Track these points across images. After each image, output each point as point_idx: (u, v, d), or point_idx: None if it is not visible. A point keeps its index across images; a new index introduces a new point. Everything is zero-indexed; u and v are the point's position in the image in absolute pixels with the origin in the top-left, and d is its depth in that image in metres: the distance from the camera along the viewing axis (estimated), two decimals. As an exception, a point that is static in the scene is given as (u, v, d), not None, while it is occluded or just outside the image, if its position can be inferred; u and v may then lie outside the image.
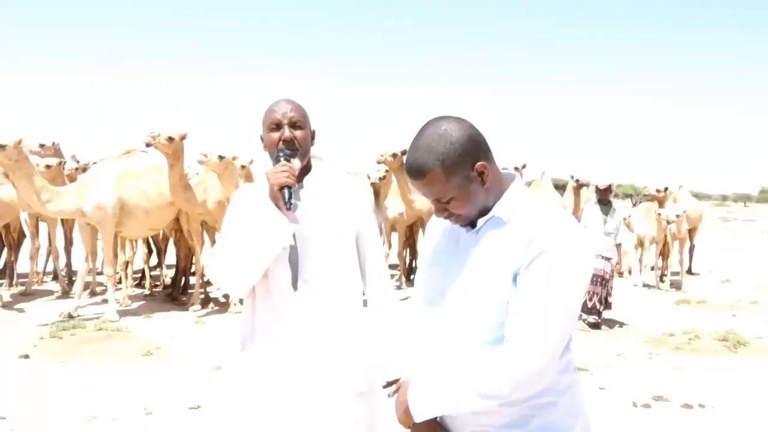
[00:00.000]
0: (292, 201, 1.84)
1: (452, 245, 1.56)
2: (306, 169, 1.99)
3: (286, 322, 1.91)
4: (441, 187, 1.44)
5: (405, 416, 1.54)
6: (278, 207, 1.85)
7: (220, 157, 6.46)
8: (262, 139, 1.99)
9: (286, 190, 1.84)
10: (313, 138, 2.01)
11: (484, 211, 1.49)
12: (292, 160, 1.90)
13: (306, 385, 1.90)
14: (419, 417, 1.51)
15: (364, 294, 2.05)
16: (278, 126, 1.92)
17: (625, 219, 10.32)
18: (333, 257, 1.94)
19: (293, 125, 1.92)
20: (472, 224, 1.51)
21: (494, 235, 1.46)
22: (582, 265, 1.40)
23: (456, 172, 1.42)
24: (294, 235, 1.90)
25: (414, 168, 1.45)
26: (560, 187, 12.09)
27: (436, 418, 1.54)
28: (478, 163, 1.44)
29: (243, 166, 6.74)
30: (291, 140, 1.91)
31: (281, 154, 1.90)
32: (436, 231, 1.66)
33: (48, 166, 7.10)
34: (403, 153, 7.73)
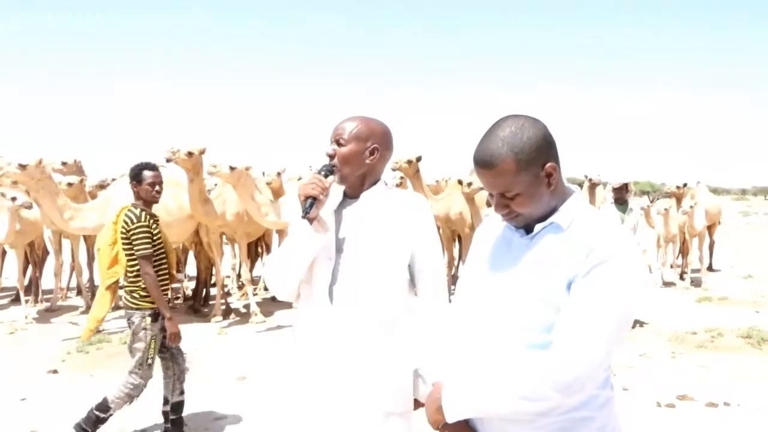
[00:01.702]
0: (309, 210, 1.90)
1: (503, 250, 1.54)
2: (365, 185, 2.02)
3: (320, 332, 1.97)
4: (510, 180, 1.43)
5: (436, 415, 1.51)
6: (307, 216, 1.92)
7: (231, 168, 6.49)
8: None
9: (308, 200, 1.90)
10: (372, 154, 1.99)
11: (542, 218, 1.48)
12: (331, 175, 1.97)
13: (333, 400, 1.93)
14: (452, 417, 1.47)
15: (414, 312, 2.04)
16: (331, 143, 2.01)
17: (648, 205, 10.31)
18: (374, 274, 1.94)
19: (337, 142, 1.98)
20: (527, 229, 1.50)
21: (551, 241, 1.44)
22: (640, 280, 1.40)
23: (527, 168, 1.42)
24: (341, 247, 1.96)
25: (486, 157, 1.44)
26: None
27: (467, 422, 1.50)
28: (549, 164, 1.44)
29: (279, 173, 6.81)
30: (331, 156, 1.98)
31: (323, 168, 1.97)
32: (486, 236, 1.64)
33: (70, 184, 7.24)
34: (418, 159, 7.76)
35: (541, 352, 1.38)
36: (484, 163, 1.44)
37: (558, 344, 1.36)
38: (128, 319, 3.69)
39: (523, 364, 1.39)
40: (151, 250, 3.65)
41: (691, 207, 9.25)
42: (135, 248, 3.62)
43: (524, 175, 1.42)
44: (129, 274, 3.69)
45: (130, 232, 3.61)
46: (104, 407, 3.63)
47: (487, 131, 1.47)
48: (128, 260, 3.69)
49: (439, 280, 2.03)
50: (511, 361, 1.42)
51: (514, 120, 1.46)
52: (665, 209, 9.29)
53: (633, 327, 6.77)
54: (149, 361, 3.67)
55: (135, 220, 3.63)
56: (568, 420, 1.42)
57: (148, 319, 3.63)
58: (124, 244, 3.68)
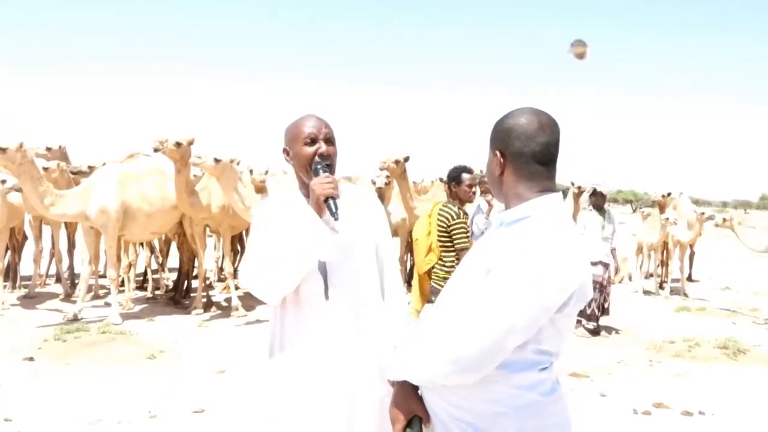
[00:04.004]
0: (337, 211, 1.89)
1: (480, 243, 1.69)
2: None
3: (317, 330, 1.96)
4: (489, 141, 1.65)
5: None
6: (321, 217, 1.91)
7: (216, 160, 6.43)
8: (286, 151, 2.05)
9: (331, 201, 1.90)
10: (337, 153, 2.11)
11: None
12: (331, 172, 1.99)
13: (339, 391, 1.95)
14: (389, 376, 1.64)
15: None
16: (313, 141, 1.99)
17: (644, 211, 10.39)
18: (359, 267, 2.02)
19: (327, 141, 2.00)
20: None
21: (501, 233, 1.57)
22: (532, 287, 1.41)
23: (492, 141, 1.63)
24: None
25: None
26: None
27: (416, 390, 1.60)
28: (497, 151, 1.60)
29: (266, 171, 6.80)
30: (327, 155, 1.99)
31: (319, 167, 1.96)
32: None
33: (45, 169, 7.09)
34: (406, 160, 7.76)
35: (439, 327, 1.50)
36: None
37: (452, 320, 1.47)
38: None
39: (426, 335, 1.52)
40: (468, 244, 4.07)
41: (710, 217, 9.28)
42: (454, 242, 4.07)
43: (490, 144, 1.64)
44: (444, 262, 4.10)
45: (451, 227, 4.07)
46: None
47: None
48: (444, 250, 4.12)
49: (395, 266, 2.16)
50: (421, 333, 1.56)
51: (523, 108, 1.61)
52: (666, 218, 9.26)
53: (612, 334, 6.84)
54: None
55: (455, 217, 4.09)
56: (481, 413, 1.50)
57: None
58: (441, 236, 4.10)
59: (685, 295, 9.55)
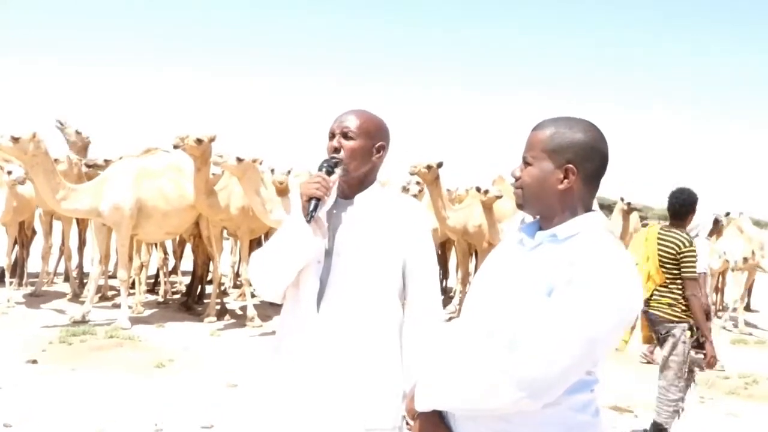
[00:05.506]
0: (314, 213, 1.89)
1: (505, 260, 1.66)
2: (363, 185, 2.03)
3: (304, 341, 1.95)
4: (536, 148, 1.58)
5: (411, 404, 1.66)
6: (305, 217, 1.91)
7: (239, 160, 6.45)
8: None
9: (312, 202, 1.89)
10: (378, 152, 2.03)
11: (546, 226, 1.60)
12: (335, 170, 1.96)
13: (313, 413, 1.92)
14: (421, 406, 1.60)
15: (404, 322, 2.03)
16: (333, 135, 2.00)
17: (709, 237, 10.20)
18: (364, 281, 1.94)
19: (344, 135, 1.98)
20: (537, 228, 1.63)
21: (547, 250, 1.55)
22: (616, 305, 1.43)
23: (552, 151, 1.57)
24: (332, 251, 1.95)
25: (543, 120, 1.63)
26: (604, 207, 11.91)
27: (442, 415, 1.61)
28: (570, 165, 1.55)
29: (289, 172, 6.79)
30: (335, 149, 1.98)
31: (324, 164, 1.96)
32: (498, 250, 1.75)
33: (54, 160, 7.17)
34: (439, 165, 7.69)
35: (504, 350, 1.45)
36: (535, 125, 1.63)
37: (523, 342, 1.43)
38: (668, 332, 4.19)
39: (486, 359, 1.47)
40: (697, 275, 4.20)
41: None
42: (683, 269, 4.15)
43: (547, 153, 1.57)
44: (671, 289, 4.20)
45: (681, 254, 4.15)
46: (659, 429, 4.19)
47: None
48: (670, 277, 4.20)
49: (431, 290, 2.02)
50: (475, 357, 1.50)
51: (584, 120, 1.61)
52: (745, 259, 8.93)
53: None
54: (686, 374, 4.15)
55: (687, 245, 4.15)
56: None
57: (688, 333, 4.11)
58: (668, 262, 4.20)
59: (748, 324, 9.29)
